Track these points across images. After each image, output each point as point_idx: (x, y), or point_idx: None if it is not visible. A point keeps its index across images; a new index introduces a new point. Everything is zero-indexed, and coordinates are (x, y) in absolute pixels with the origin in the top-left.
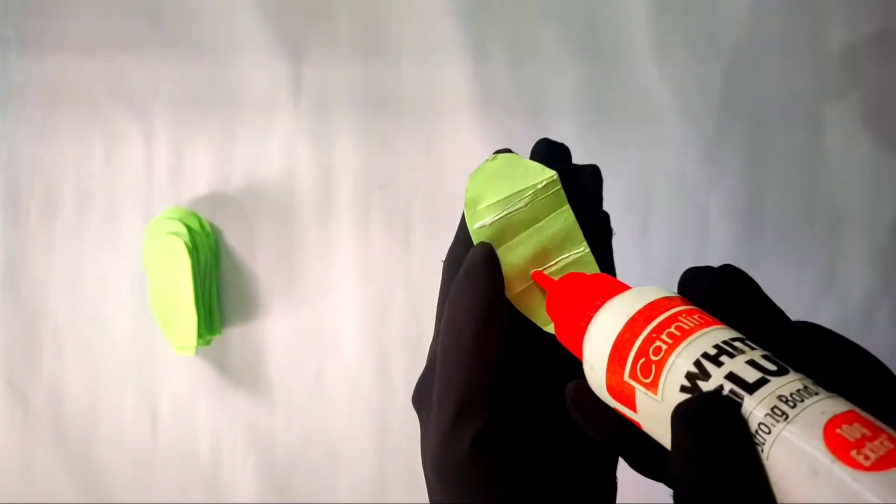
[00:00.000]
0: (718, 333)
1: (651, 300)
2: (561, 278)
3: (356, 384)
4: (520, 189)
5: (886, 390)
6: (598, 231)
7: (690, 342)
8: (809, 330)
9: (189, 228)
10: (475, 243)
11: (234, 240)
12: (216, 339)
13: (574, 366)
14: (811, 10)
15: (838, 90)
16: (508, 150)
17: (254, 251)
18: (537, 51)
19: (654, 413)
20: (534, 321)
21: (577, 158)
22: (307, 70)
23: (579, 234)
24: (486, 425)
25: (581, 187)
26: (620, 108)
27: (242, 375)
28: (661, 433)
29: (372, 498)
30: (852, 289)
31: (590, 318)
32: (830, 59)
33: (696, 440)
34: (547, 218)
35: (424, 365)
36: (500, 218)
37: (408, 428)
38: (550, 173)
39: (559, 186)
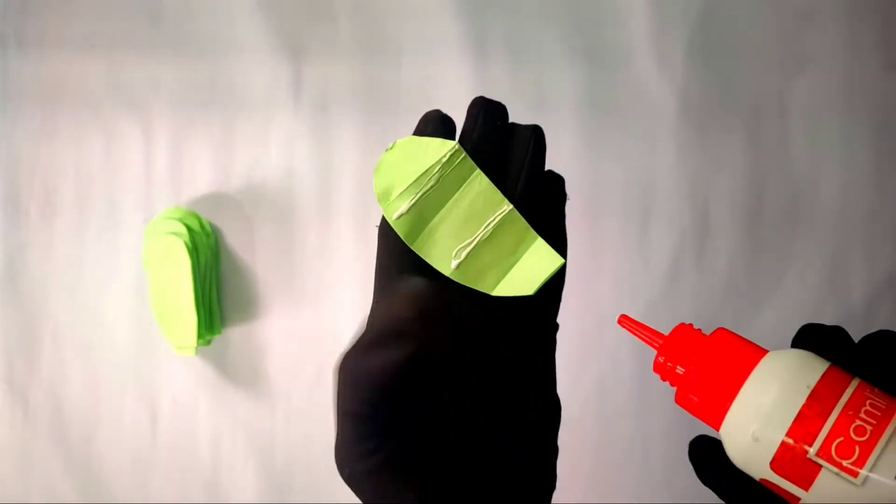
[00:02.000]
0: None
1: (824, 370)
2: (671, 334)
3: None
4: (426, 168)
5: None
6: (545, 195)
7: None
8: None
9: (189, 228)
10: (399, 233)
11: (234, 240)
12: (216, 339)
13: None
14: (811, 10)
15: (838, 89)
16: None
17: (254, 251)
18: (537, 51)
19: (845, 495)
20: (478, 288)
21: (577, 158)
22: (307, 70)
23: (497, 194)
24: (391, 455)
25: (518, 148)
26: (620, 108)
27: (242, 375)
28: None
29: None
30: (852, 289)
31: (736, 389)
32: (830, 59)
33: None
34: (461, 189)
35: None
36: (415, 202)
37: None
38: (451, 144)
39: (464, 155)
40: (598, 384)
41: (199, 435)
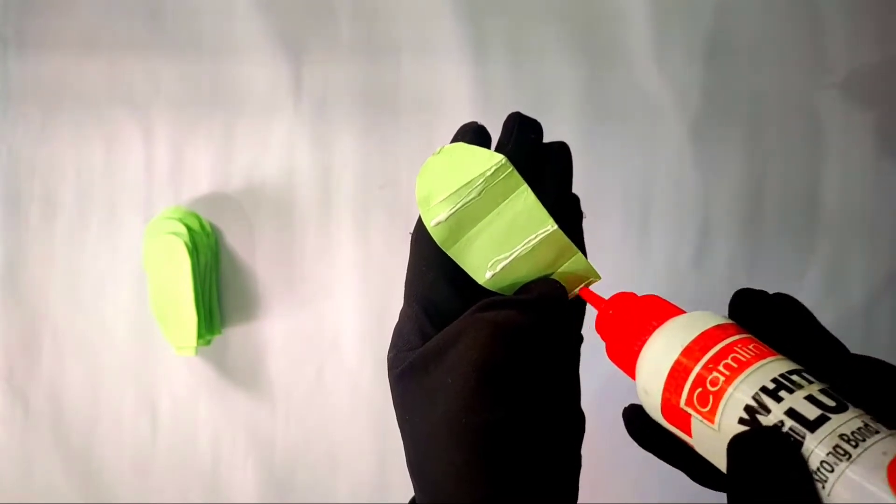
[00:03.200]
0: (776, 365)
1: (705, 328)
2: (611, 297)
3: (356, 384)
4: (470, 179)
5: None
6: (565, 213)
7: (748, 374)
8: (867, 363)
9: (189, 228)
10: (436, 239)
11: (234, 240)
12: (216, 339)
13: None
14: (811, 9)
15: (838, 90)
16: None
17: (254, 251)
18: (537, 51)
19: (710, 440)
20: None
21: (577, 158)
22: (307, 70)
23: (543, 212)
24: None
25: (550, 166)
26: (620, 108)
27: (242, 375)
28: (717, 458)
29: (372, 498)
30: (852, 289)
31: (643, 343)
32: (830, 58)
33: (756, 476)
34: (504, 202)
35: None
36: (455, 212)
37: None
38: (498, 158)
39: (511, 169)
40: (599, 384)
41: (199, 435)
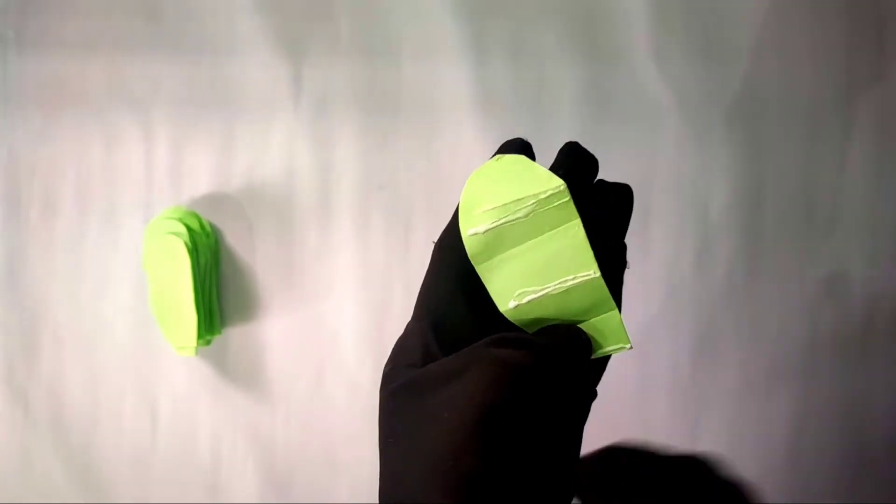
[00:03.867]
0: None
1: None
2: None
3: (356, 384)
4: (522, 196)
5: None
6: (609, 260)
7: None
8: None
9: (189, 228)
10: (468, 250)
11: (234, 240)
12: (216, 339)
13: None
14: (811, 9)
15: (838, 90)
16: (523, 143)
17: (254, 251)
18: (537, 51)
19: None
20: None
21: None
22: (307, 70)
23: (589, 254)
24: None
25: (607, 209)
26: (620, 108)
27: (242, 375)
28: None
29: (372, 498)
30: (852, 289)
31: None
32: (830, 58)
33: None
34: (551, 232)
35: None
36: (497, 226)
37: None
38: (558, 182)
39: (567, 198)
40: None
41: (199, 435)
